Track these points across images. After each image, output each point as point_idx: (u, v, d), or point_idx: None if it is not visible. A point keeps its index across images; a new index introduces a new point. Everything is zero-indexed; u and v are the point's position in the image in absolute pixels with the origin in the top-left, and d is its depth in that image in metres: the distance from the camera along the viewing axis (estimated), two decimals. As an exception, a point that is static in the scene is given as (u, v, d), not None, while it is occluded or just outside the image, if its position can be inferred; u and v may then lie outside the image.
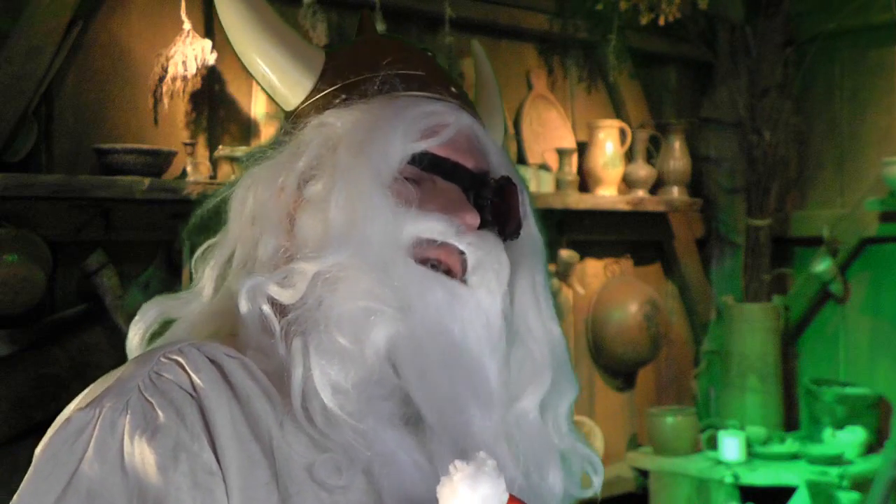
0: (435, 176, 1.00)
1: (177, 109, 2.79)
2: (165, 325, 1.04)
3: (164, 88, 2.71)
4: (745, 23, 3.83)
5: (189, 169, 2.70)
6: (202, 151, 2.82)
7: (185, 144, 2.73)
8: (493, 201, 1.01)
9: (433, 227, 0.97)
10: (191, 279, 1.07)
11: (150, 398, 0.87)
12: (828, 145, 3.99)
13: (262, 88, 1.09)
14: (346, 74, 1.05)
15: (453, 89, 1.07)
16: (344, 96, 1.03)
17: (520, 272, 1.04)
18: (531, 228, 1.08)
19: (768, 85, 3.84)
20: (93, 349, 2.50)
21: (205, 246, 1.05)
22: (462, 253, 0.98)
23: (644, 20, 3.47)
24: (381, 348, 0.92)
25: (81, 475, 0.84)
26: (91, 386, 0.93)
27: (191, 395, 0.87)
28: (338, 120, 1.01)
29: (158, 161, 2.60)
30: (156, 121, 2.75)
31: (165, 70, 2.71)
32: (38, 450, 0.90)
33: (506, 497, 0.81)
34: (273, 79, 1.05)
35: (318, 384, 0.90)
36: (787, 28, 3.88)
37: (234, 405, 0.88)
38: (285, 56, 1.05)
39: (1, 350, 2.43)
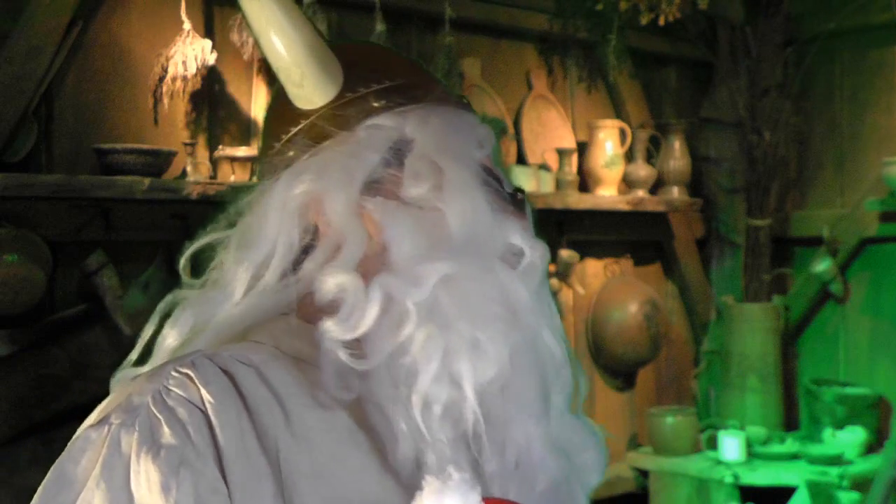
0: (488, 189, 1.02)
1: (177, 109, 2.79)
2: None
3: (164, 88, 2.72)
4: (745, 23, 3.83)
5: (189, 169, 2.70)
6: (202, 151, 2.82)
7: (185, 144, 2.73)
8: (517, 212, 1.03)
9: (521, 235, 0.99)
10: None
11: (158, 414, 0.86)
12: (828, 145, 3.99)
13: (278, 80, 1.00)
14: (368, 81, 1.00)
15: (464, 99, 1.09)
16: (384, 101, 0.99)
17: None
18: None
19: (768, 85, 3.84)
20: (93, 349, 2.50)
21: (230, 246, 0.99)
22: None
23: (644, 20, 3.47)
24: (506, 355, 0.92)
25: (87, 495, 0.83)
26: (106, 400, 0.92)
27: (200, 409, 0.86)
28: (397, 123, 0.99)
29: (158, 161, 2.60)
30: (156, 121, 2.75)
31: (165, 70, 2.71)
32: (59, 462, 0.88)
33: None
34: (308, 71, 0.98)
35: (457, 378, 0.90)
36: (787, 28, 3.88)
37: (244, 417, 0.87)
38: (325, 49, 0.99)
39: (1, 350, 2.43)
